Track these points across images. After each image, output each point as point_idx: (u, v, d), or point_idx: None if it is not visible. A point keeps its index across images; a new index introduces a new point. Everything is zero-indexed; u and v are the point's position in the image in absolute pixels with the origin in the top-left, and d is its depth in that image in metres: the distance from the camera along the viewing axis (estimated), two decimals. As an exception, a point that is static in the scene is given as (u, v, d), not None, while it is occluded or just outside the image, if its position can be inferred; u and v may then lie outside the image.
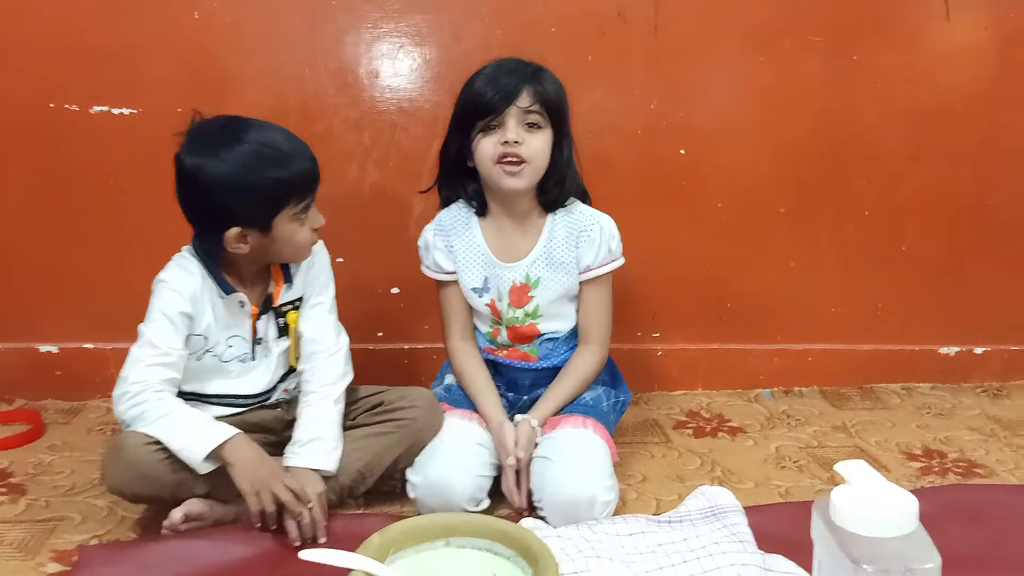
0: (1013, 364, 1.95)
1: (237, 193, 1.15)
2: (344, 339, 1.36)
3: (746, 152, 1.79)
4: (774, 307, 1.87)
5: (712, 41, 1.73)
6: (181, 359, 1.22)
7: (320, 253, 1.35)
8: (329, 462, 1.23)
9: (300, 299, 1.34)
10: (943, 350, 1.94)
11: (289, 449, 1.24)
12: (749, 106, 1.77)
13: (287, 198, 1.18)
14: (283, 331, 1.33)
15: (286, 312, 1.33)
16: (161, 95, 1.64)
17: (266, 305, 1.30)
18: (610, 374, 1.50)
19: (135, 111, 1.67)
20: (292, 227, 1.21)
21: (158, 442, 1.15)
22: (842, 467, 0.77)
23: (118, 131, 1.66)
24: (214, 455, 1.14)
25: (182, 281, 1.23)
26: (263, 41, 1.68)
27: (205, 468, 1.15)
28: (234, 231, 1.17)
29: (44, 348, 1.75)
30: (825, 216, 1.84)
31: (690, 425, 1.74)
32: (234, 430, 1.17)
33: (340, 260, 1.65)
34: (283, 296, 1.31)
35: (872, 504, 0.73)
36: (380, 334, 1.81)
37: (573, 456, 1.26)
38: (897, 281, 1.88)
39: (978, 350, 1.94)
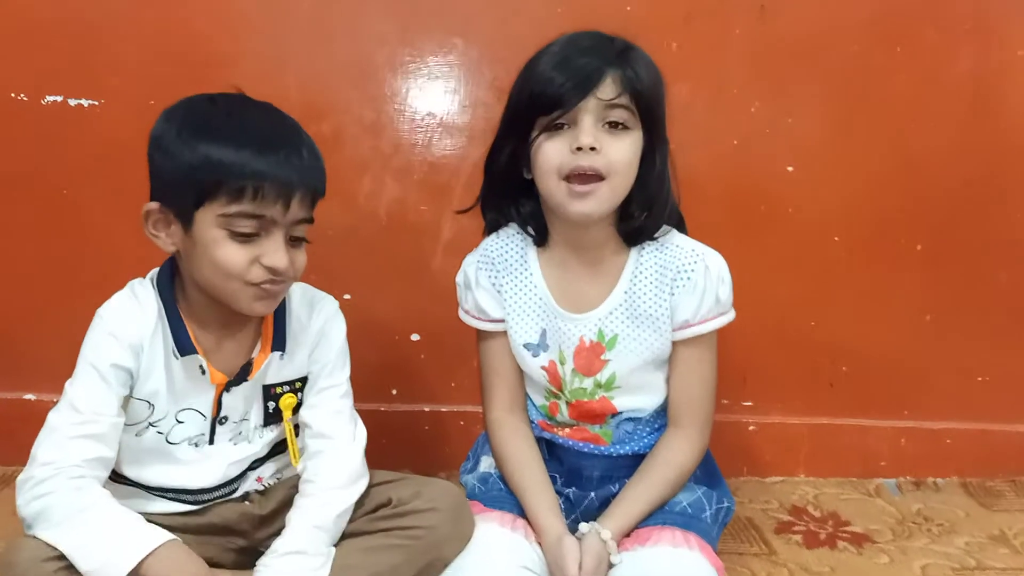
0: None
1: (163, 153, 0.94)
2: (361, 433, 1.10)
3: (873, 171, 1.54)
4: (902, 373, 1.63)
5: (833, 28, 1.49)
6: (114, 429, 0.96)
7: (334, 321, 1.10)
8: None
9: (303, 380, 1.09)
10: (1122, 434, 1.65)
11: (262, 561, 0.97)
12: (878, 112, 1.52)
13: (213, 188, 0.91)
14: (272, 417, 1.08)
15: (280, 394, 1.07)
16: (128, 82, 1.44)
17: (241, 375, 1.04)
18: (706, 470, 1.18)
19: (96, 102, 1.45)
20: (215, 234, 0.93)
21: (59, 556, 0.87)
22: None
23: (75, 127, 1.46)
24: (134, 574, 0.86)
25: (126, 320, 0.98)
26: (260, 18, 1.45)
27: None
28: (152, 206, 0.95)
29: (-25, 399, 1.55)
30: (973, 258, 1.59)
31: (797, 528, 1.42)
32: (166, 536, 0.89)
33: (347, 297, 1.46)
34: (274, 370, 1.06)
35: None
36: (394, 392, 1.59)
37: None
38: (1066, 344, 1.62)
39: None
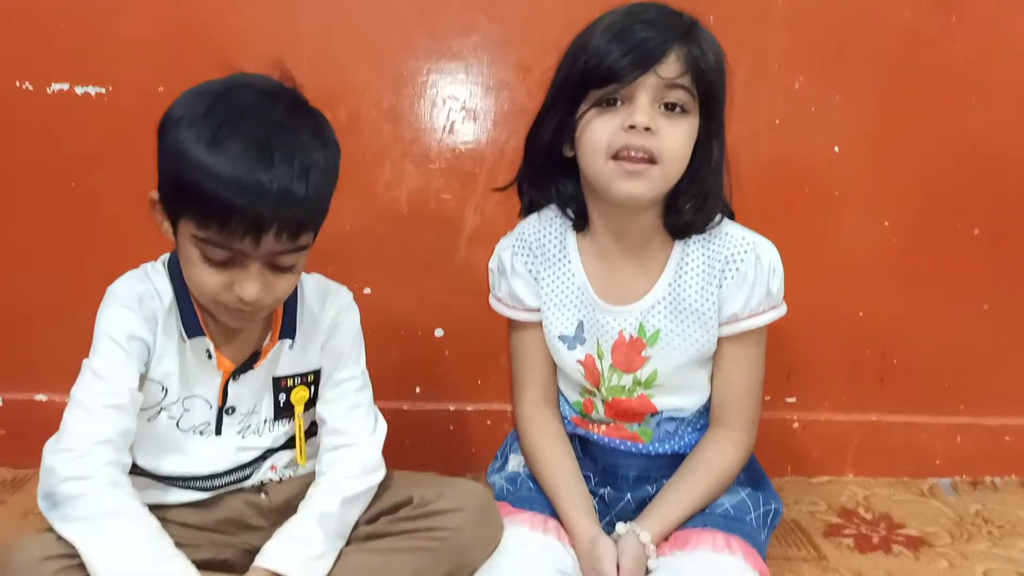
0: None
1: (161, 140, 0.91)
2: (381, 427, 1.09)
3: (927, 150, 1.51)
4: (958, 366, 1.59)
5: (885, -6, 1.46)
6: (135, 403, 0.96)
7: (347, 311, 1.09)
8: (306, 570, 0.94)
9: (315, 373, 1.08)
10: None
11: (263, 548, 0.97)
12: (933, 85, 1.48)
13: (185, 205, 0.89)
14: (283, 411, 1.07)
15: (291, 387, 1.07)
16: (136, 69, 1.43)
17: (248, 363, 1.03)
18: (749, 470, 1.14)
19: (103, 90, 1.45)
20: (191, 252, 0.90)
21: (64, 555, 0.87)
22: None
23: (81, 116, 1.45)
24: None
25: (140, 295, 0.98)
26: (271, -2, 1.44)
27: None
28: (152, 195, 0.94)
29: (-17, 400, 1.56)
30: (1036, 241, 1.56)
31: (848, 531, 1.38)
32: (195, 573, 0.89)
33: (367, 291, 1.49)
34: (285, 362, 1.05)
35: None
36: (418, 390, 1.58)
37: None
38: None
39: None
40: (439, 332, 1.54)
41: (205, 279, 0.91)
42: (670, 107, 0.98)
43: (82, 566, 0.86)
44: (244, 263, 0.90)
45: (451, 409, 1.57)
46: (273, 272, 0.92)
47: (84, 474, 0.89)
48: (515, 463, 1.17)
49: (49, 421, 1.46)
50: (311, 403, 1.08)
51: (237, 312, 0.94)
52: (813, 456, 1.58)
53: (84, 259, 1.49)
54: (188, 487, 1.04)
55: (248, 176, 0.85)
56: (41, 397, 1.54)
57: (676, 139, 0.98)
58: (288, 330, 1.03)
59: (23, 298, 1.52)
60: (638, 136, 0.96)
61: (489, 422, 1.54)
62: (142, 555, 0.87)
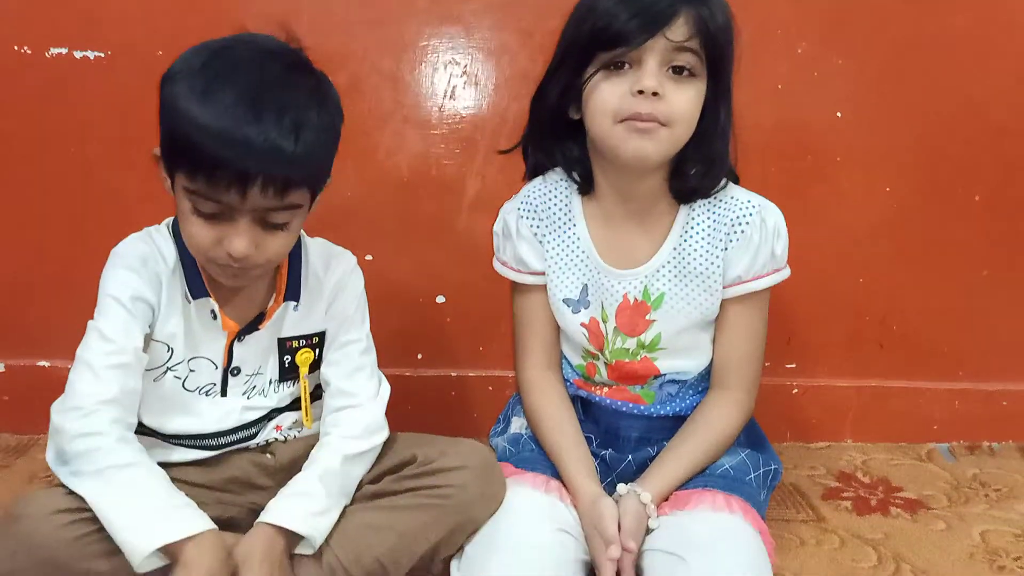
0: None
1: (161, 95, 0.90)
2: (385, 390, 1.11)
3: (928, 116, 1.49)
4: (957, 332, 1.59)
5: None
6: (140, 363, 0.97)
7: (351, 275, 1.10)
8: (309, 526, 0.95)
9: (320, 336, 1.09)
10: None
11: (267, 504, 0.99)
12: (935, 51, 1.47)
13: (176, 158, 0.90)
14: (288, 372, 1.08)
15: (296, 349, 1.07)
16: (136, 33, 1.42)
17: (252, 324, 1.04)
18: (750, 433, 1.15)
19: (102, 54, 1.44)
20: (185, 205, 0.91)
21: (73, 509, 0.89)
22: None
23: (81, 81, 1.44)
24: (166, 549, 0.87)
25: (144, 256, 0.99)
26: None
27: (146, 566, 0.87)
28: (155, 151, 0.95)
29: (-14, 366, 1.56)
30: (1034, 209, 1.55)
31: (846, 494, 1.39)
32: (207, 524, 0.90)
33: (369, 258, 1.48)
34: (290, 323, 1.07)
35: None
36: (420, 356, 1.58)
37: (719, 559, 0.92)
38: None
39: None
40: (441, 299, 1.54)
41: (196, 232, 0.91)
42: (678, 70, 0.97)
43: (92, 519, 0.88)
44: (233, 217, 0.90)
45: (453, 375, 1.57)
46: (264, 229, 0.91)
47: (94, 430, 0.91)
48: (517, 425, 1.18)
49: (52, 387, 1.47)
50: (316, 365, 1.09)
51: (228, 269, 0.94)
52: (812, 421, 1.59)
53: (85, 223, 1.49)
54: (193, 446, 1.05)
55: (235, 129, 0.85)
56: (44, 363, 1.54)
57: (684, 103, 0.98)
58: (293, 292, 1.04)
59: (24, 263, 1.52)
60: (646, 102, 0.95)
61: (491, 388, 1.55)
62: (156, 504, 0.89)
